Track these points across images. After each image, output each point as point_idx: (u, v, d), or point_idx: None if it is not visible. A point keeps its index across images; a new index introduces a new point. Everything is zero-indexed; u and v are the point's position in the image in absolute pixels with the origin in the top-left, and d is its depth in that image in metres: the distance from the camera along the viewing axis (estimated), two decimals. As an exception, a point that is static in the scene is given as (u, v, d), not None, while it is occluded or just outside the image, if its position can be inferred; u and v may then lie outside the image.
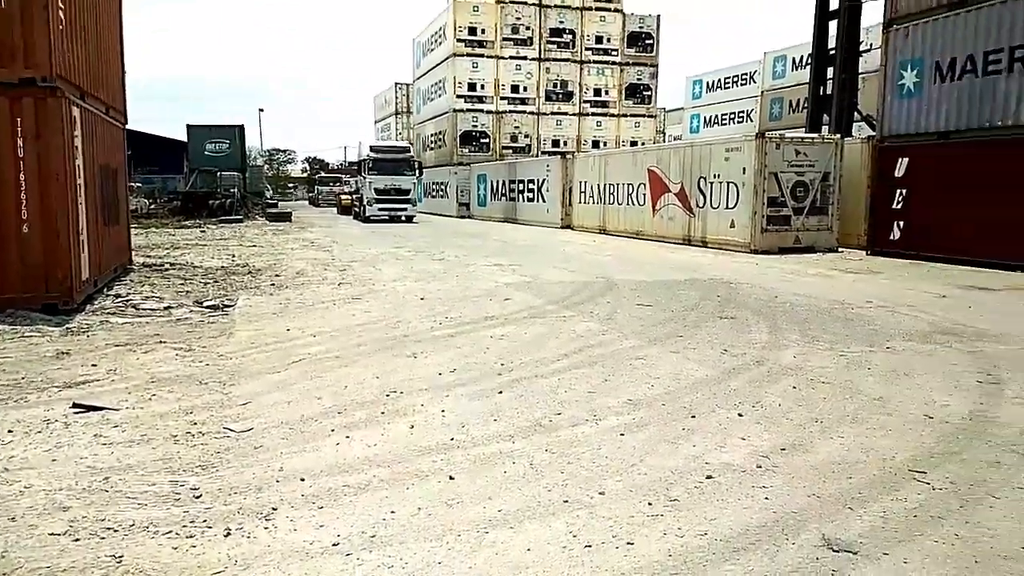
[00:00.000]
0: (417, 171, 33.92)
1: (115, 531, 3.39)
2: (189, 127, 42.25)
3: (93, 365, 6.48)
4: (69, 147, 8.97)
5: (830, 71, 22.11)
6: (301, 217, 38.10)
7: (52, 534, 3.35)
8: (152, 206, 35.32)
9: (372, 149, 34.43)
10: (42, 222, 8.64)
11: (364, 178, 33.31)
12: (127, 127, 13.95)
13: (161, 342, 7.47)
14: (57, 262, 8.77)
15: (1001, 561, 3.14)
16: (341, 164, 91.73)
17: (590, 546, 3.30)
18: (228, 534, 3.39)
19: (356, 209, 36.53)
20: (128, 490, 3.85)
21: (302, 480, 4.01)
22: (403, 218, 33.14)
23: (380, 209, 32.57)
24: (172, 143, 50.27)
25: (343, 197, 44.63)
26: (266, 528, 3.46)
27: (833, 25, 21.92)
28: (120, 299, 10.18)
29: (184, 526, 3.46)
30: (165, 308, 9.52)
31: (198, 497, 3.78)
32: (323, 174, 78.56)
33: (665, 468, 4.19)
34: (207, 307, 9.63)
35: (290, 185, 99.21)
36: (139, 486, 3.90)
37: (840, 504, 3.71)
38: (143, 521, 3.49)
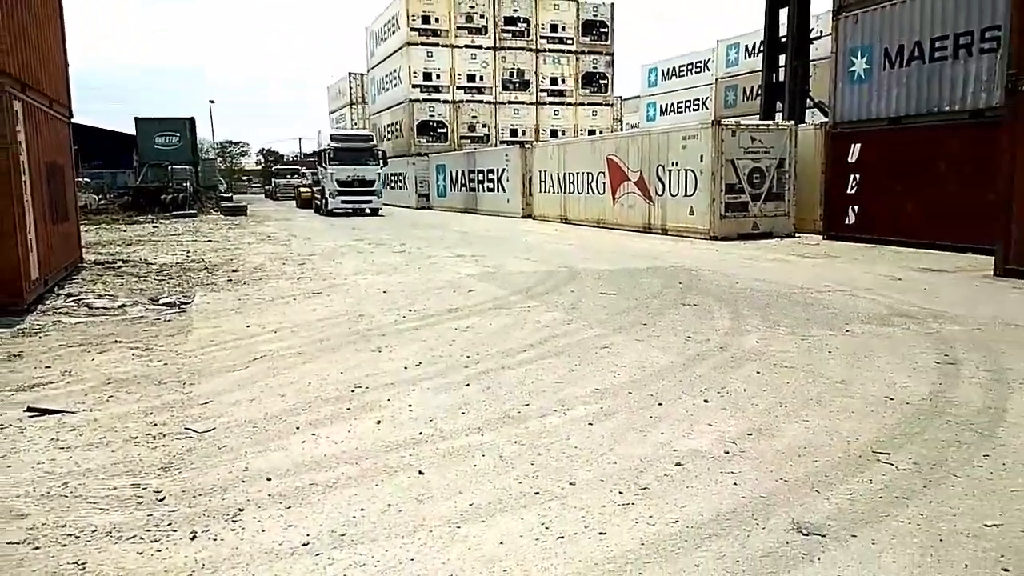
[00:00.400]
0: (381, 161, 32.28)
1: (76, 537, 3.29)
2: (137, 120, 41.17)
3: (47, 367, 6.29)
4: (12, 142, 8.66)
5: (782, 59, 22.41)
6: (257, 211, 37.48)
7: (10, 543, 3.24)
8: (102, 202, 34.39)
9: (333, 138, 32.64)
10: (-13, 221, 8.35)
11: (325, 169, 31.62)
12: (73, 121, 13.55)
13: (117, 342, 7.28)
14: (4, 262, 8.49)
15: (965, 539, 3.21)
16: (296, 156, 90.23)
17: (563, 537, 3.29)
18: (194, 537, 3.31)
19: (317, 202, 35.04)
20: (88, 495, 3.74)
21: (268, 480, 3.93)
22: (367, 211, 31.68)
23: (343, 202, 31.02)
24: (120, 136, 48.96)
25: (302, 190, 42.79)
26: (233, 530, 3.39)
27: (784, 13, 22.21)
28: (72, 298, 9.90)
29: (148, 530, 3.37)
30: (119, 307, 9.29)
31: (161, 500, 3.69)
32: (280, 166, 74.60)
33: (634, 456, 4.20)
34: (163, 305, 9.42)
35: (244, 178, 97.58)
36: (100, 490, 3.79)
37: (807, 487, 3.76)
38: (105, 526, 3.40)
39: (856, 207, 16.50)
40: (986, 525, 3.32)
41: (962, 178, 14.08)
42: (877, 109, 15.86)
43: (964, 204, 13.99)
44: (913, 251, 14.45)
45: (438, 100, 40.12)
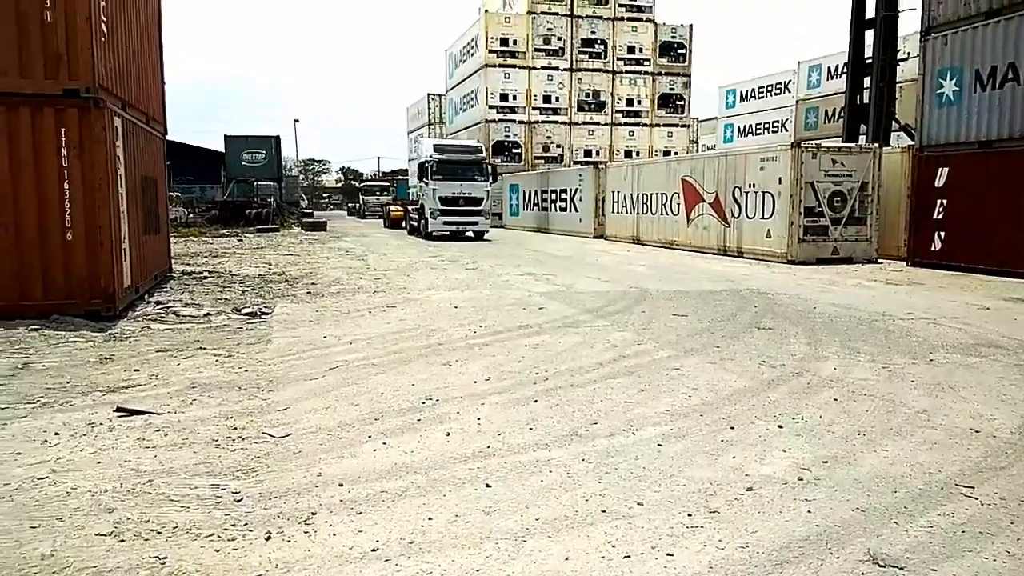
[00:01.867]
0: (491, 176, 27.57)
1: (159, 533, 3.44)
2: (226, 137, 43.01)
3: (135, 370, 6.59)
4: (111, 158, 9.16)
5: (867, 80, 21.84)
6: (339, 228, 38.42)
7: (98, 535, 3.40)
8: (190, 215, 35.92)
9: (436, 149, 27.59)
10: (85, 231, 8.83)
11: (426, 184, 26.94)
12: (166, 137, 14.22)
13: (201, 348, 7.58)
14: (100, 270, 8.95)
15: (1055, 579, 3.06)
16: (375, 174, 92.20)
17: (629, 556, 3.27)
18: (269, 538, 3.42)
19: (413, 222, 30.70)
20: (171, 493, 3.90)
21: (341, 485, 4.03)
22: (472, 234, 27.53)
23: (446, 223, 26.60)
24: (209, 153, 51.18)
25: (392, 208, 39.89)
26: (306, 532, 3.48)
27: (869, 34, 21.67)
28: (161, 306, 10.35)
29: (226, 529, 3.50)
30: (204, 315, 9.66)
31: (239, 501, 3.82)
32: (369, 181, 72.19)
33: (704, 479, 4.14)
34: (245, 314, 9.76)
35: (325, 195, 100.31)
36: (181, 489, 3.95)
37: (886, 518, 3.63)
38: (186, 523, 3.54)
39: (942, 233, 15.88)
40: (1079, 567, 3.15)
41: (1059, 204, 13.40)
42: (967, 132, 15.27)
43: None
44: (1003, 280, 13.80)
45: (514, 120, 40.47)
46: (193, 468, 4.27)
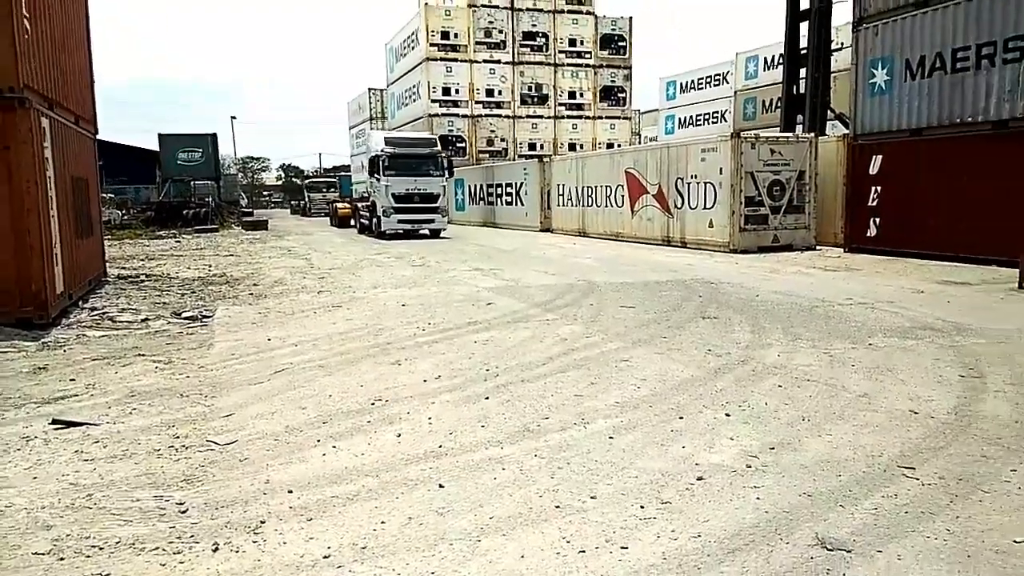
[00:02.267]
0: (447, 171, 26.03)
1: (100, 549, 3.32)
2: (161, 136, 41.85)
3: (71, 380, 6.36)
4: (39, 159, 8.81)
5: (802, 71, 22.33)
6: (281, 227, 37.76)
7: (36, 553, 3.27)
8: (125, 217, 34.95)
9: (388, 142, 25.83)
10: (13, 235, 8.48)
11: (377, 180, 25.28)
12: (98, 137, 13.76)
13: (140, 355, 7.36)
14: (30, 276, 8.61)
15: (993, 555, 3.16)
16: (316, 170, 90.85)
17: (584, 551, 3.27)
18: (216, 549, 3.33)
19: (363, 220, 29.06)
20: (112, 506, 3.77)
21: (290, 492, 3.94)
22: (428, 232, 26.11)
23: (400, 221, 25.24)
24: (143, 152, 49.78)
25: (339, 206, 37.52)
26: (255, 542, 3.40)
27: (804, 25, 22.15)
28: (96, 312, 10.02)
29: (171, 542, 3.39)
30: (142, 320, 9.39)
31: (184, 512, 3.71)
32: (315, 177, 67.52)
33: (655, 470, 4.17)
34: (185, 318, 9.51)
35: (265, 193, 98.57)
36: (123, 502, 3.82)
37: (832, 502, 3.71)
38: (129, 538, 3.42)
39: (878, 219, 16.36)
40: (1015, 542, 3.27)
41: (985, 189, 13.93)
42: (898, 120, 15.75)
43: (987, 216, 13.84)
44: (936, 264, 14.29)
45: (457, 115, 40.31)
46: (135, 480, 4.13)
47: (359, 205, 30.98)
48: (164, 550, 3.32)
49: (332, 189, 56.26)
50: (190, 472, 4.24)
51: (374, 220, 26.29)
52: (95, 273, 12.86)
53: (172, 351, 7.54)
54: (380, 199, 25.47)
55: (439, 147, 26.96)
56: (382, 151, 25.22)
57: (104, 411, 5.43)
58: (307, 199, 57.70)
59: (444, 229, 26.28)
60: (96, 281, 12.80)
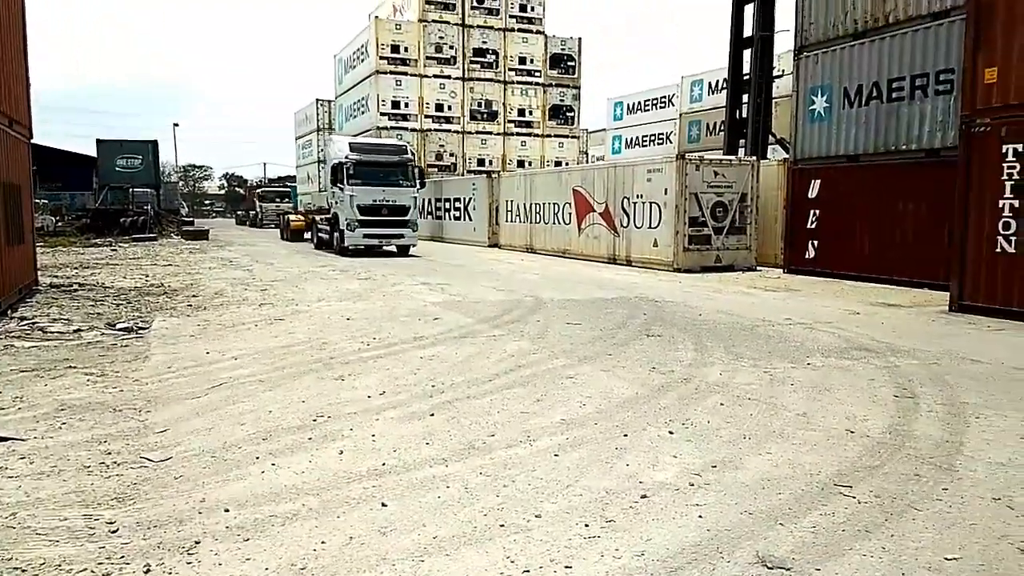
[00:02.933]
0: (419, 181, 23.87)
1: (23, 571, 3.17)
2: (99, 142, 40.74)
3: (-5, 393, 6.09)
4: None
5: (745, 96, 22.92)
6: (223, 237, 36.94)
7: (-50, 579, 3.10)
8: (59, 223, 33.72)
9: (354, 148, 23.56)
10: (-62, 241, 8.13)
11: (341, 191, 22.93)
12: (32, 141, 13.30)
13: (71, 367, 7.09)
14: (-45, 283, 8.25)
15: (926, 572, 3.24)
16: (260, 180, 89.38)
17: (528, 571, 3.25)
18: (148, 570, 3.21)
19: (322, 235, 26.49)
20: (38, 526, 3.60)
21: (226, 511, 3.83)
22: (395, 248, 23.83)
23: (365, 235, 22.81)
24: (80, 158, 48.29)
25: (292, 218, 34.49)
26: (189, 563, 3.28)
27: (747, 52, 22.76)
28: (26, 321, 9.63)
29: (100, 563, 3.25)
30: (75, 331, 9.06)
31: (114, 532, 3.57)
32: (267, 186, 62.46)
33: (600, 488, 4.18)
34: (120, 329, 9.21)
35: (207, 202, 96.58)
36: (50, 521, 3.66)
37: (772, 520, 3.77)
38: (55, 559, 3.27)
39: (816, 242, 16.83)
40: (946, 559, 3.36)
41: (918, 215, 14.47)
42: (836, 147, 16.26)
43: (920, 240, 14.37)
44: (871, 286, 14.74)
45: (406, 128, 40.14)
46: (63, 498, 3.96)
47: (317, 218, 28.30)
48: (93, 572, 3.19)
49: (285, 199, 53.14)
50: (122, 490, 4.09)
51: (336, 234, 23.90)
52: (26, 281, 12.38)
53: (105, 363, 7.29)
54: (344, 211, 22.94)
55: (409, 154, 24.38)
56: (347, 158, 22.82)
57: (32, 425, 5.21)
58: (258, 209, 53.67)
59: (414, 245, 23.94)
60: (27, 290, 12.32)
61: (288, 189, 57.43)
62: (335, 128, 51.57)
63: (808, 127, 16.94)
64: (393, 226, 23.21)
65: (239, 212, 65.24)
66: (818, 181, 16.72)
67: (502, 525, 3.70)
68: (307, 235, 30.64)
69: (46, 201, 37.67)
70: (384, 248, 23.71)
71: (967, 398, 6.16)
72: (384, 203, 22.93)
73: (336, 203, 23.82)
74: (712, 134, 34.10)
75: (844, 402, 6.03)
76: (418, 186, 23.67)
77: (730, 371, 7.15)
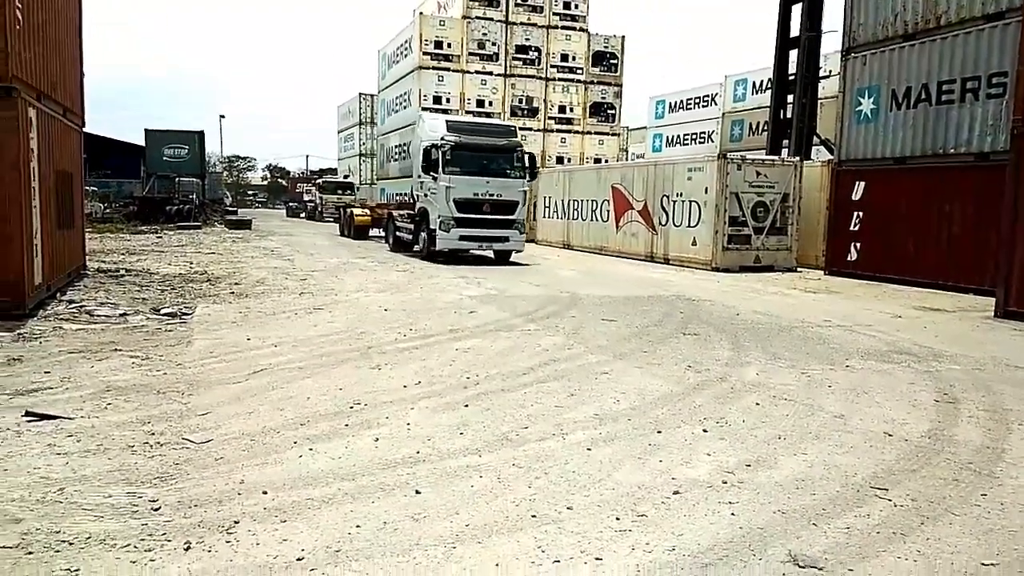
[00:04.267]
0: (528, 172, 19.03)
1: (70, 544, 3.27)
2: (147, 131, 41.54)
3: (46, 372, 6.28)
4: (24, 150, 8.73)
5: (790, 96, 22.58)
6: (264, 227, 37.46)
7: (3, 547, 3.21)
8: (107, 210, 34.55)
9: (452, 128, 19.07)
10: (-6, 224, 8.39)
11: (434, 180, 18.29)
12: (84, 130, 13.65)
13: (116, 350, 7.28)
14: (8, 266, 8.51)
15: (962, 577, 3.20)
16: (302, 173, 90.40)
17: (559, 561, 3.27)
18: (188, 548, 3.29)
19: (403, 234, 21.63)
20: (83, 502, 3.72)
21: (264, 493, 3.92)
22: (494, 253, 19.54)
23: (463, 237, 18.33)
24: (129, 147, 49.33)
25: (357, 212, 29.57)
26: (228, 542, 3.37)
27: (793, 52, 22.41)
28: (74, 305, 9.91)
29: (142, 539, 3.35)
30: (121, 315, 9.29)
31: (157, 509, 3.67)
32: (327, 178, 56.41)
33: (632, 483, 4.18)
34: (164, 315, 9.42)
35: (250, 192, 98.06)
36: (95, 498, 3.78)
37: (805, 520, 3.74)
38: (99, 534, 3.38)
39: (858, 244, 16.55)
40: (983, 564, 3.31)
41: (965, 219, 14.15)
42: (883, 149, 15.97)
43: (966, 245, 14.06)
44: (914, 290, 14.46)
45: (447, 123, 40.24)
46: (107, 475, 4.08)
47: (396, 213, 23.35)
48: (135, 547, 3.28)
49: (347, 192, 48.75)
50: (164, 469, 4.20)
51: (422, 234, 19.45)
52: (75, 266, 12.72)
53: (150, 347, 7.47)
54: (436, 205, 18.30)
55: (519, 137, 19.84)
56: (443, 140, 18.23)
57: (79, 405, 5.37)
58: (319, 201, 49.67)
59: (520, 250, 19.43)
60: (76, 274, 12.66)
61: (351, 182, 52.21)
62: (377, 123, 52.00)
63: (854, 128, 16.66)
64: (497, 226, 18.61)
65: (290, 204, 63.03)
66: (863, 183, 16.44)
67: (534, 516, 3.73)
68: (377, 232, 27.54)
69: (95, 188, 38.63)
70: (472, 253, 19.67)
71: (1010, 404, 6.03)
72: (488, 197, 18.38)
73: (426, 195, 19.05)
74: (755, 134, 33.69)
75: (883, 405, 5.94)
76: (527, 177, 19.08)
77: (767, 371, 7.09)
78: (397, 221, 22.73)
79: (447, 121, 19.72)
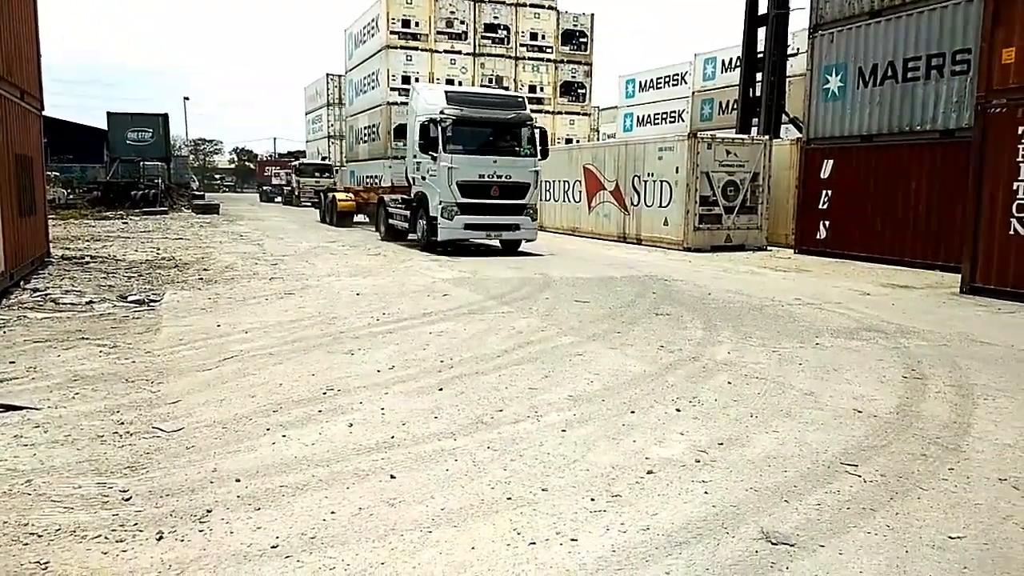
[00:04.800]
0: (541, 149, 16.71)
1: (39, 536, 3.22)
2: (110, 115, 40.77)
3: (11, 363, 6.15)
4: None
5: (759, 74, 22.68)
6: (234, 212, 36.95)
7: (-31, 542, 3.16)
8: (71, 196, 33.79)
9: (452, 99, 16.78)
10: (-48, 212, 8.18)
11: (433, 160, 16.12)
12: (43, 114, 13.32)
13: (83, 338, 7.15)
14: (-32, 254, 8.31)
15: (929, 551, 3.26)
16: (270, 156, 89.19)
17: (534, 543, 3.29)
18: (160, 538, 3.26)
19: (397, 221, 19.69)
20: (52, 493, 3.66)
21: (237, 481, 3.88)
22: (501, 243, 17.77)
23: (468, 226, 16.24)
24: (91, 131, 48.25)
25: (340, 197, 27.19)
26: (201, 531, 3.34)
27: (762, 30, 22.49)
28: (38, 293, 9.71)
29: (113, 530, 3.31)
30: (87, 303, 9.13)
31: (127, 500, 3.62)
32: (304, 161, 51.61)
33: (606, 464, 4.21)
34: (132, 302, 9.27)
35: (217, 176, 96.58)
36: (64, 489, 3.72)
37: (777, 497, 3.79)
38: (69, 525, 3.33)
39: (827, 222, 16.73)
40: (950, 537, 3.38)
41: (931, 196, 14.36)
42: (850, 126, 16.11)
43: (932, 222, 14.27)
44: (882, 267, 14.67)
45: (416, 104, 39.90)
46: (76, 466, 4.02)
47: (388, 199, 20.84)
48: (106, 538, 3.24)
49: (326, 174, 45.09)
50: (134, 459, 4.15)
51: (420, 222, 17.31)
52: (38, 253, 12.46)
53: (117, 335, 7.35)
54: (436, 189, 16.11)
55: (528, 110, 17.43)
56: (443, 114, 15.93)
57: (45, 395, 5.27)
58: (295, 185, 46.60)
59: (532, 239, 17.47)
60: (39, 262, 12.40)
61: (330, 164, 47.89)
62: (345, 103, 51.37)
63: (822, 107, 16.78)
64: (506, 212, 16.50)
65: (264, 188, 59.68)
66: (830, 161, 16.59)
67: (509, 498, 3.74)
68: (358, 217, 26.20)
69: (57, 174, 37.75)
70: (475, 243, 17.92)
71: (976, 379, 6.16)
72: (495, 179, 16.19)
73: (424, 177, 16.80)
74: (725, 113, 33.82)
75: (852, 382, 6.03)
76: (539, 155, 16.77)
77: (738, 350, 7.16)
78: (389, 207, 20.34)
79: (446, 92, 17.12)
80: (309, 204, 40.80)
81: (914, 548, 3.28)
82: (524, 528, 3.42)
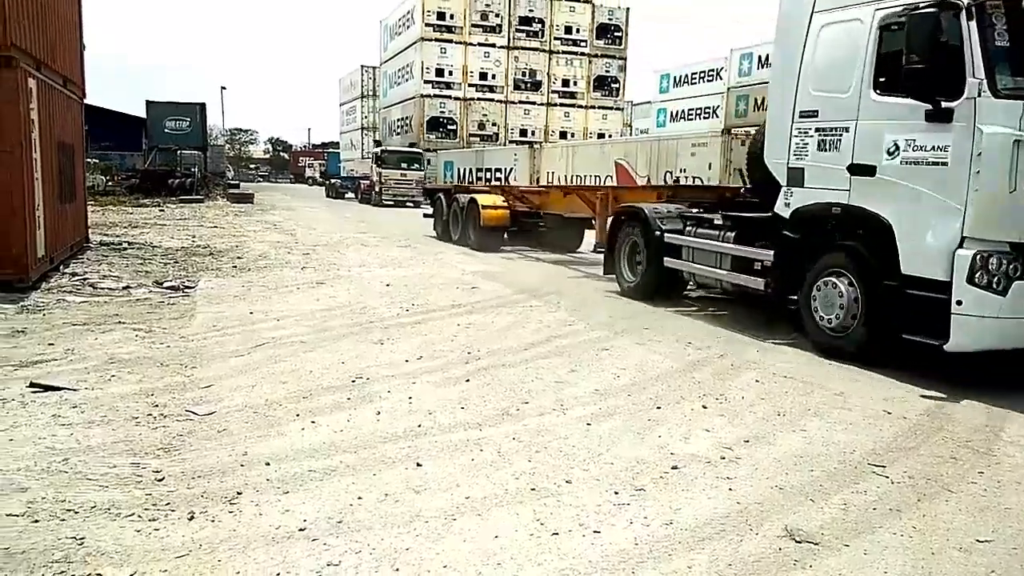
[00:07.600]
0: None
1: (76, 513, 3.32)
2: (148, 103, 41.43)
3: (50, 344, 6.32)
4: (25, 120, 8.69)
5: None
6: (268, 201, 37.33)
7: (10, 515, 3.26)
8: (109, 183, 34.43)
9: None
10: (-4, 197, 8.38)
11: (936, 116, 5.76)
12: (85, 101, 13.59)
13: (120, 322, 7.31)
14: (11, 239, 8.51)
15: (956, 553, 3.23)
16: (304, 146, 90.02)
17: (557, 534, 3.31)
18: (192, 517, 3.34)
19: (704, 272, 8.72)
20: (88, 471, 3.77)
21: (267, 464, 3.96)
22: None
23: None
24: (130, 119, 49.06)
25: (483, 203, 15.88)
26: (231, 512, 3.41)
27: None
28: (77, 277, 9.93)
29: (146, 509, 3.40)
30: (124, 288, 9.32)
31: (160, 480, 3.72)
32: (388, 147, 39.42)
33: (631, 458, 4.22)
34: (167, 288, 9.45)
35: (252, 166, 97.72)
36: (100, 468, 3.82)
37: (802, 496, 3.78)
38: (104, 503, 3.42)
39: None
40: (978, 541, 3.35)
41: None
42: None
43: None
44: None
45: (449, 97, 40.07)
46: (112, 446, 4.13)
47: (654, 215, 9.61)
48: (140, 516, 3.33)
49: (414, 165, 35.68)
50: (168, 441, 4.24)
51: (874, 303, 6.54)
52: (77, 239, 12.73)
53: (153, 320, 7.50)
54: (944, 202, 5.84)
55: None
56: None
57: (83, 377, 5.40)
58: (378, 178, 35.98)
59: None
60: (78, 247, 12.67)
61: (419, 152, 37.29)
62: (379, 95, 51.58)
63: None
64: None
65: (333, 181, 50.93)
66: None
67: (533, 489, 3.77)
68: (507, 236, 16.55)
69: (97, 161, 38.48)
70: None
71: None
72: None
73: (876, 169, 6.46)
74: (760, 109, 33.39)
75: (883, 383, 5.96)
76: None
77: (767, 349, 7.10)
78: (673, 238, 9.24)
79: None
80: (392, 203, 34.46)
81: (940, 550, 3.25)
82: (547, 519, 3.45)
